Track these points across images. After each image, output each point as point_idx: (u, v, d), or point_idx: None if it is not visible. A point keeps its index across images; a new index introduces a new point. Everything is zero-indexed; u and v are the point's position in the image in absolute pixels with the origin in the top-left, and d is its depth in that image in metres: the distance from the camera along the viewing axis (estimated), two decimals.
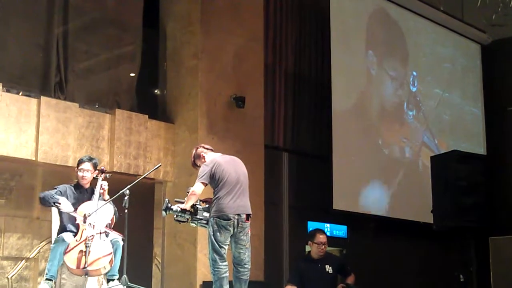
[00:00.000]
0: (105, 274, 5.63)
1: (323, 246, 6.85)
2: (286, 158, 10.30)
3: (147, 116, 8.71)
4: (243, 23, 9.34)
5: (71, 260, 5.44)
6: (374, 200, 10.92)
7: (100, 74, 8.81)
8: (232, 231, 5.64)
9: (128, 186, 5.79)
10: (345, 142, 10.54)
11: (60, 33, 8.24)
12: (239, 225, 5.66)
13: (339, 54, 10.69)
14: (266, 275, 8.93)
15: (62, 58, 8.20)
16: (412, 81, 12.14)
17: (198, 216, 5.74)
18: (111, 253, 5.53)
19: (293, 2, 10.78)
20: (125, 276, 5.60)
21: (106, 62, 8.85)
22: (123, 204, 5.72)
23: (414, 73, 12.19)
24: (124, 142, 8.37)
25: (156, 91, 9.48)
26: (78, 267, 5.40)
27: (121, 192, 5.75)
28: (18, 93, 7.66)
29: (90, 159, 5.99)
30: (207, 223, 5.71)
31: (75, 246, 5.49)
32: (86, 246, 5.41)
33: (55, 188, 5.84)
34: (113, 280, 5.68)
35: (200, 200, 5.80)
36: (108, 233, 5.65)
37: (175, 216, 5.73)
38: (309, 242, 6.94)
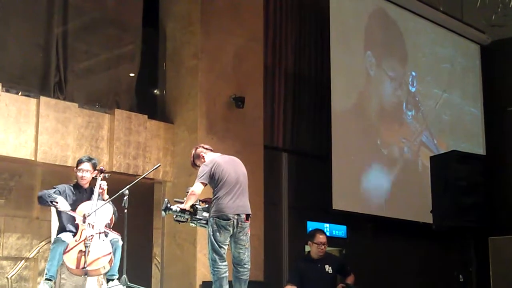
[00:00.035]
0: (105, 274, 5.62)
1: (323, 246, 6.85)
2: (286, 158, 10.30)
3: (146, 116, 8.71)
4: (243, 23, 9.34)
5: (70, 260, 5.43)
6: (374, 200, 10.92)
7: (99, 74, 8.81)
8: (231, 231, 5.64)
9: (128, 186, 5.79)
10: (345, 142, 10.54)
11: (60, 33, 8.24)
12: (239, 225, 5.65)
13: (338, 54, 10.69)
14: (266, 275, 8.93)
15: (61, 58, 8.20)
16: (412, 81, 12.14)
17: (197, 216, 5.74)
18: (110, 253, 5.52)
19: (293, 2, 10.78)
20: (124, 276, 5.60)
21: (105, 62, 8.86)
22: (123, 204, 5.72)
23: (414, 73, 12.19)
24: (123, 142, 8.37)
25: (155, 91, 9.47)
26: (77, 267, 5.40)
27: (120, 192, 5.75)
28: (17, 93, 7.66)
29: (90, 159, 5.99)
30: (206, 223, 5.71)
31: (74, 246, 5.48)
32: (85, 246, 5.40)
33: (54, 188, 5.84)
34: (112, 280, 5.67)
35: (200, 200, 5.80)
36: (108, 233, 5.64)
37: (174, 216, 5.73)
38: (309, 242, 6.94)
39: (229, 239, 5.67)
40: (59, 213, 5.82)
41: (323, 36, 10.96)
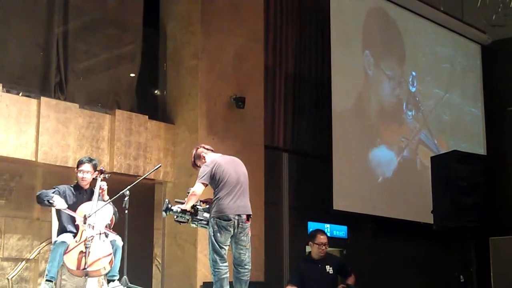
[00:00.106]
0: (105, 274, 5.62)
1: (323, 247, 6.85)
2: (286, 158, 10.30)
3: (147, 116, 8.70)
4: (243, 23, 9.34)
5: (71, 261, 5.43)
6: (374, 200, 10.91)
7: (100, 74, 8.81)
8: (232, 231, 5.63)
9: (128, 187, 5.78)
10: (345, 142, 10.54)
11: (60, 33, 8.24)
12: (240, 225, 5.65)
13: (339, 54, 10.69)
14: (267, 275, 8.93)
15: (62, 58, 8.20)
16: (412, 81, 12.13)
17: (198, 217, 5.74)
18: (111, 253, 5.52)
19: (293, 4, 10.78)
20: (125, 276, 5.60)
21: (106, 62, 8.85)
22: (123, 205, 5.71)
23: (414, 73, 12.19)
24: (124, 142, 8.36)
25: (156, 91, 9.47)
26: (78, 268, 5.40)
27: (121, 192, 5.75)
28: (18, 94, 7.66)
29: (90, 160, 5.98)
30: (207, 224, 5.71)
31: (74, 247, 5.48)
32: (86, 247, 5.40)
33: (54, 188, 5.84)
34: (113, 280, 5.66)
35: (201, 201, 5.80)
36: (108, 233, 5.64)
37: (175, 216, 5.72)
38: (310, 242, 6.94)
39: (229, 239, 5.66)
40: (59, 213, 5.82)
41: (324, 36, 10.96)
